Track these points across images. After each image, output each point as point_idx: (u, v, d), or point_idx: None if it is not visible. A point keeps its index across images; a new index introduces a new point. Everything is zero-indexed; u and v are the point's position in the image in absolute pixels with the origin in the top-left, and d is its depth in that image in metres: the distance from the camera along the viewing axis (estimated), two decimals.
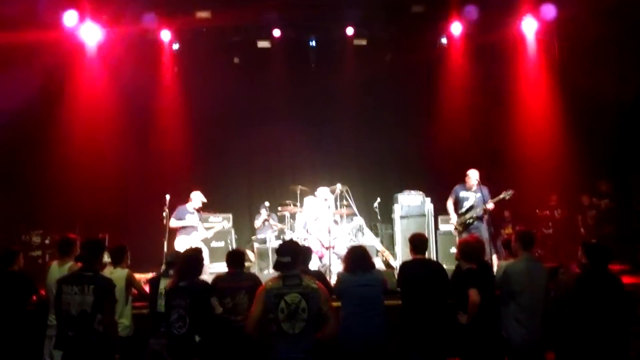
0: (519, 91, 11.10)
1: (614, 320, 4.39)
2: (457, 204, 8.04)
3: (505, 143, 11.14)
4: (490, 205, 7.65)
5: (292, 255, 3.92)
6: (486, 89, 11.17)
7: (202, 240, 8.36)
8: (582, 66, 9.89)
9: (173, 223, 8.13)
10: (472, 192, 7.86)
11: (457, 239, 8.04)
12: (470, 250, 4.87)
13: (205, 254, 8.13)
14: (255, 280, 4.91)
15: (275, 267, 4.01)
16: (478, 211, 7.74)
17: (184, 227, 8.18)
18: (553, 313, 4.69)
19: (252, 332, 3.86)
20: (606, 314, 4.37)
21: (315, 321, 3.84)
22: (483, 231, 7.62)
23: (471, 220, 7.79)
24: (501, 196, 7.67)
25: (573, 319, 4.49)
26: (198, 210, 8.42)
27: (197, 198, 8.32)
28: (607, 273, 4.61)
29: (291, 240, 4.46)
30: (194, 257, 4.47)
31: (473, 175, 7.83)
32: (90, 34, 10.10)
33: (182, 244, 7.94)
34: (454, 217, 8.01)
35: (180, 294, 4.22)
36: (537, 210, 10.84)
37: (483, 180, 7.90)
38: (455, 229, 8.07)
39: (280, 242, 9.01)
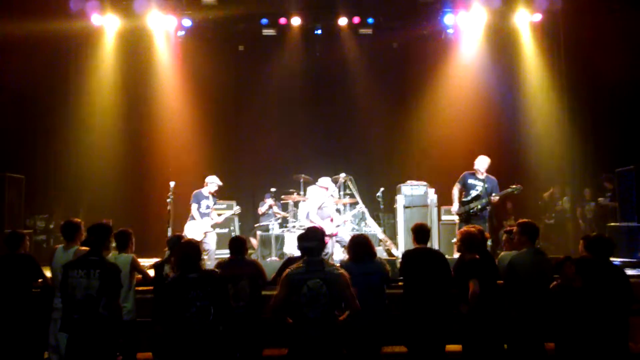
0: (525, 81, 11.07)
1: (615, 311, 4.42)
2: (464, 191, 7.85)
3: (510, 133, 11.14)
4: (496, 198, 7.55)
5: (318, 241, 3.99)
6: (492, 79, 11.14)
7: (212, 226, 8.35)
8: (587, 57, 9.86)
9: (195, 212, 8.04)
10: (480, 180, 7.71)
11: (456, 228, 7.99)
12: (473, 241, 4.89)
13: (213, 240, 8.19)
14: (256, 266, 4.95)
15: (301, 251, 4.06)
16: (483, 202, 7.60)
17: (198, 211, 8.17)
18: (555, 304, 4.71)
19: (276, 315, 3.91)
20: (608, 305, 4.40)
21: (336, 306, 3.91)
22: (482, 223, 7.43)
23: (475, 211, 7.63)
24: (508, 190, 7.59)
25: (575, 310, 4.52)
26: (213, 195, 8.39)
27: (214, 182, 8.24)
28: (610, 265, 4.64)
29: (315, 227, 4.47)
30: (195, 247, 4.23)
31: (481, 162, 7.72)
32: (96, 21, 10.13)
33: (192, 229, 7.92)
34: (456, 204, 7.80)
35: (195, 286, 3.96)
36: (540, 202, 10.86)
37: (490, 171, 7.88)
38: (458, 215, 7.87)
39: (284, 229, 9.16)
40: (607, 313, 4.39)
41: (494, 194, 7.55)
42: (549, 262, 4.85)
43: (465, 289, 4.63)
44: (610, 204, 9.18)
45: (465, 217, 7.69)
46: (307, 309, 3.81)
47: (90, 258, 4.18)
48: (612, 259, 4.88)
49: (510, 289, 4.79)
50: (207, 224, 8.15)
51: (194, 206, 8.10)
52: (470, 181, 7.75)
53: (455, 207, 7.79)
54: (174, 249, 4.83)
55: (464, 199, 7.76)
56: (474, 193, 7.67)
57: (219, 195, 9.41)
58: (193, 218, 8.08)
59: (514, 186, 7.58)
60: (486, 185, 7.62)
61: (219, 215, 8.41)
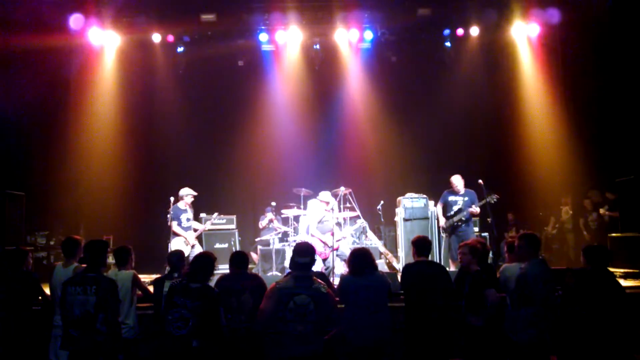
0: (524, 94, 11.11)
1: (612, 321, 4.39)
2: (446, 208, 8.33)
3: (510, 146, 11.15)
4: (476, 209, 7.99)
5: (311, 257, 3.98)
6: (491, 92, 11.19)
7: (197, 238, 8.37)
8: (585, 69, 9.90)
9: (176, 228, 8.08)
10: (459, 196, 8.18)
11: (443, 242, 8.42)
12: (476, 252, 4.89)
13: (199, 251, 8.16)
14: (258, 280, 4.92)
15: (293, 267, 4.02)
16: (465, 214, 8.01)
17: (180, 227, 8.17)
18: (557, 316, 4.69)
19: (264, 329, 3.85)
20: (605, 316, 4.37)
21: (322, 324, 3.87)
22: (470, 234, 7.92)
23: (459, 223, 8.06)
24: (485, 200, 7.98)
25: (574, 321, 4.50)
26: (191, 207, 8.41)
27: (189, 194, 8.29)
28: (606, 274, 4.61)
29: (307, 242, 4.46)
30: (209, 260, 4.37)
31: (456, 181, 8.20)
32: (95, 37, 10.19)
33: (178, 243, 7.94)
34: (442, 220, 8.34)
35: (188, 294, 4.06)
36: (541, 213, 10.83)
37: (489, 185, 8.07)
38: (444, 230, 8.33)
39: (284, 244, 9.13)
40: (606, 324, 4.37)
41: (473, 205, 7.99)
42: (551, 274, 4.83)
43: (471, 300, 4.62)
44: (612, 214, 9.16)
45: (451, 231, 8.19)
46: (293, 325, 3.76)
47: (87, 275, 4.19)
48: (612, 269, 4.86)
49: (514, 300, 4.77)
50: (191, 237, 8.18)
51: (174, 223, 8.09)
52: (451, 198, 8.27)
53: (442, 222, 8.31)
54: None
55: (448, 214, 8.25)
56: (455, 208, 8.15)
57: (219, 210, 9.43)
58: (175, 235, 8.08)
59: (490, 196, 7.97)
60: (466, 199, 8.10)
61: (195, 230, 8.45)
